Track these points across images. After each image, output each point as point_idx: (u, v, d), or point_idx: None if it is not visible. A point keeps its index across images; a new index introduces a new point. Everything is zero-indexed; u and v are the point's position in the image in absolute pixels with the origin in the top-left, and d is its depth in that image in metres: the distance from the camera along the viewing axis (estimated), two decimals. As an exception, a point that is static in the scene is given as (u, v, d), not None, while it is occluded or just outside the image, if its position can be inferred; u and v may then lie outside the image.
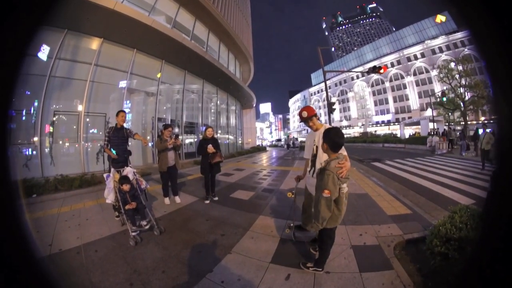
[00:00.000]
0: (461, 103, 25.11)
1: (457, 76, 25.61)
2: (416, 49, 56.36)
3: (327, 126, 2.98)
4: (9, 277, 0.60)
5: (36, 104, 7.64)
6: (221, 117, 20.30)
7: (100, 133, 9.46)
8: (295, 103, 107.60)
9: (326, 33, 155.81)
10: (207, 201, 5.38)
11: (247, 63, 24.26)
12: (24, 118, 7.57)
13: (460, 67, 26.13)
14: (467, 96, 25.60)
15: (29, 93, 7.63)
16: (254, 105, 30.32)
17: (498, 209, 0.64)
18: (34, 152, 7.56)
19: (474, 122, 39.24)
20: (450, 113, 27.79)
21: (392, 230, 3.69)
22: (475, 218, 2.63)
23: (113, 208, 4.28)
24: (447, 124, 28.82)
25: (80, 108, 8.83)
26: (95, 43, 9.30)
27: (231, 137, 22.43)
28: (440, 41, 52.61)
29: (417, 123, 37.93)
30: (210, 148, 5.22)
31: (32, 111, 7.67)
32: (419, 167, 11.00)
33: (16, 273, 0.62)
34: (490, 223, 0.69)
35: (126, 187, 3.85)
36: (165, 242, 3.39)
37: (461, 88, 25.29)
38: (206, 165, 5.32)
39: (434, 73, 45.76)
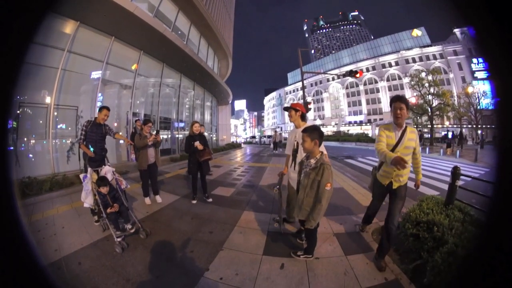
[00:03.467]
0: (429, 109, 27.13)
1: (426, 84, 27.61)
2: (391, 58, 59.94)
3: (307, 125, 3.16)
4: None
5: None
6: (197, 113, 19.91)
7: (69, 128, 8.66)
8: (270, 101, 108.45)
9: (306, 35, 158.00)
10: (194, 201, 5.19)
11: (226, 59, 24.04)
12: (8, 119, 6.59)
13: (430, 77, 28.07)
14: (435, 103, 27.68)
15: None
16: (230, 102, 30.05)
17: (499, 212, 0.65)
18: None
19: (440, 126, 42.69)
20: (418, 117, 29.73)
21: (368, 219, 4.00)
22: (439, 205, 3.18)
23: (92, 212, 3.95)
24: (415, 126, 30.75)
25: (49, 100, 7.92)
26: (69, 27, 8.42)
27: (205, 133, 22.02)
28: (414, 52, 56.62)
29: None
30: (199, 145, 5.01)
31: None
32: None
33: None
34: (490, 225, 0.71)
35: (104, 189, 3.52)
36: (153, 245, 3.25)
37: (429, 95, 27.34)
38: (194, 164, 5.11)
39: (406, 80, 48.70)
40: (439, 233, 2.53)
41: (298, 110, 3.41)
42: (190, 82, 17.69)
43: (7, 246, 0.60)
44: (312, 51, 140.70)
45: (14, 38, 0.60)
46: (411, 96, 32.81)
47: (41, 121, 7.87)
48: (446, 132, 21.72)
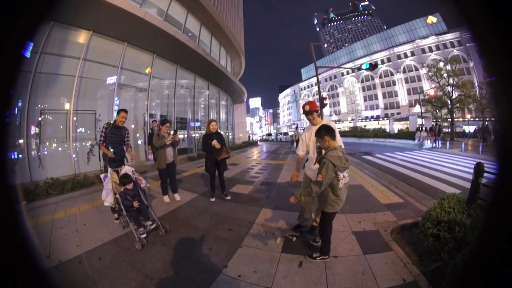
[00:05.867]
0: (449, 101, 25.82)
1: (445, 75, 26.30)
2: (406, 48, 57.44)
3: (325, 122, 3.23)
4: None
5: (20, 104, 6.91)
6: (212, 112, 20.07)
7: (89, 131, 9.03)
8: (285, 98, 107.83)
9: (318, 29, 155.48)
10: (212, 199, 5.24)
11: (238, 57, 24.06)
12: (7, 120, 6.89)
13: (448, 67, 26.74)
14: (454, 94, 26.29)
15: (12, 92, 6.94)
16: (245, 100, 30.12)
17: (501, 209, 0.65)
18: (20, 156, 6.89)
19: (461, 119, 40.62)
20: (437, 110, 28.50)
21: (387, 217, 3.96)
22: (461, 203, 3.04)
23: (112, 211, 4.07)
24: (434, 120, 29.53)
25: (68, 106, 8.32)
26: (83, 36, 8.80)
27: (221, 132, 22.22)
28: (430, 41, 53.90)
29: (405, 119, 38.82)
30: (216, 143, 4.98)
31: (16, 112, 7.13)
32: (408, 160, 11.34)
33: None
34: (492, 223, 0.70)
35: (130, 186, 3.69)
36: (172, 242, 3.31)
37: (448, 87, 25.96)
38: (211, 163, 5.09)
39: (423, 71, 46.79)
40: (461, 233, 2.42)
41: (317, 111, 3.42)
42: (204, 82, 17.87)
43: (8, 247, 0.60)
44: (325, 45, 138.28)
45: (11, 43, 0.59)
46: (429, 88, 31.46)
47: (61, 126, 8.30)
48: (478, 126, 20.21)
